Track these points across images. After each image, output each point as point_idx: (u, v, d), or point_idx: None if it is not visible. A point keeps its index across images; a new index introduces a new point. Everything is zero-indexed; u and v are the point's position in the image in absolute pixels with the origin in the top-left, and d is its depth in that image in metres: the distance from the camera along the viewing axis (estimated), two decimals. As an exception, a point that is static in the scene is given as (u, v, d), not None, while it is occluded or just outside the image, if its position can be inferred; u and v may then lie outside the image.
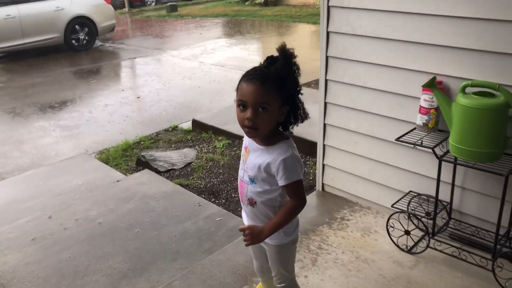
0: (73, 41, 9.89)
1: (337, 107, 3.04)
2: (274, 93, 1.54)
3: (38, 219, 3.43)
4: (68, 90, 7.35)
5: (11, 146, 5.23)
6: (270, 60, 1.59)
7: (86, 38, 10.08)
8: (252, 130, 1.57)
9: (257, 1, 16.30)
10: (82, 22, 9.91)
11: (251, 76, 1.56)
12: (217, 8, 16.80)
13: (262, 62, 1.62)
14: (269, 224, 1.68)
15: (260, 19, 14.09)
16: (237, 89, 1.60)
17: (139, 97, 7.05)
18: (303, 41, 11.03)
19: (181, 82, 7.70)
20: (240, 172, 1.79)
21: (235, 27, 13.17)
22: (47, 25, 9.38)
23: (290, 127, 1.68)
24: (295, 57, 1.58)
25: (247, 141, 1.74)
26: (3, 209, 3.69)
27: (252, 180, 1.70)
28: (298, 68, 1.60)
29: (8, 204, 3.77)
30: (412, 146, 2.53)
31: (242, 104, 1.57)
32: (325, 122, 3.15)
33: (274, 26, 12.95)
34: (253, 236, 1.64)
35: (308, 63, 8.62)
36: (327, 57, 2.98)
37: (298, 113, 1.65)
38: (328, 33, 2.90)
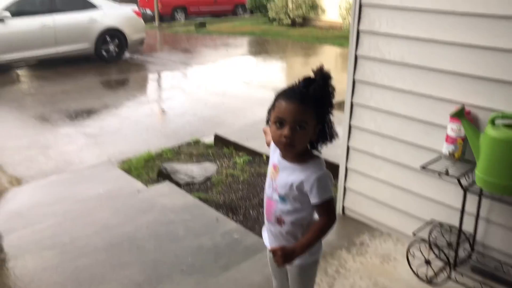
0: (103, 52, 10.13)
1: (362, 131, 3.03)
2: (311, 113, 1.60)
3: (58, 225, 3.48)
4: (95, 99, 7.50)
5: (37, 150, 5.35)
6: (308, 81, 1.66)
7: (116, 49, 10.32)
8: (289, 147, 1.62)
9: (284, 22, 16.45)
10: (113, 34, 10.16)
11: (290, 95, 1.62)
12: (244, 27, 17.01)
13: (298, 82, 1.68)
14: (300, 243, 1.68)
15: (287, 39, 14.19)
16: (273, 107, 1.65)
17: (163, 110, 7.15)
18: (328, 63, 11.02)
19: (205, 97, 7.79)
20: (268, 191, 1.79)
21: (262, 46, 13.30)
22: (79, 35, 9.64)
23: (320, 145, 1.71)
24: (331, 78, 1.65)
25: (276, 159, 1.76)
26: (25, 212, 3.76)
27: (283, 199, 1.71)
28: (333, 89, 1.66)
29: (30, 208, 3.84)
30: (437, 175, 2.50)
31: (279, 121, 1.61)
32: (349, 144, 3.14)
33: (300, 46, 13.03)
34: (285, 256, 1.64)
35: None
36: (354, 80, 2.98)
37: (328, 133, 1.69)
38: (356, 57, 2.91)
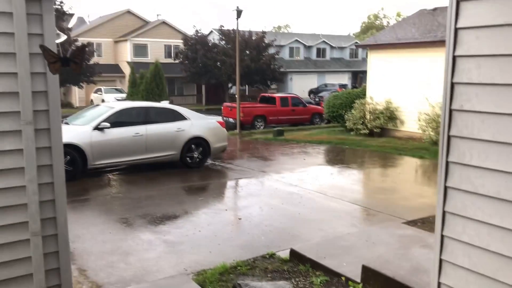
0: (188, 159, 10.73)
1: (454, 267, 2.80)
2: None
3: None
4: (176, 205, 7.79)
5: (118, 256, 5.53)
6: None
7: (200, 157, 10.90)
8: None
9: (362, 131, 16.61)
10: (198, 142, 10.82)
11: None
12: (321, 135, 17.37)
13: None
14: None
15: (364, 149, 14.20)
16: None
17: (240, 219, 7.21)
18: (408, 175, 10.77)
19: (282, 207, 7.79)
20: None
21: (338, 155, 13.38)
22: (167, 144, 10.38)
23: None
24: None
25: None
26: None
27: None
28: None
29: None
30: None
31: None
32: (440, 281, 2.90)
33: (378, 157, 12.93)
34: None
35: (413, 199, 8.37)
36: (444, 212, 2.84)
37: None
38: (446, 188, 2.80)
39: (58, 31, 5.09)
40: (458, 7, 2.61)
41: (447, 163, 2.78)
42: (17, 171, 3.60)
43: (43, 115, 3.68)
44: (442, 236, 2.87)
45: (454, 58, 2.66)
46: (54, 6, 3.84)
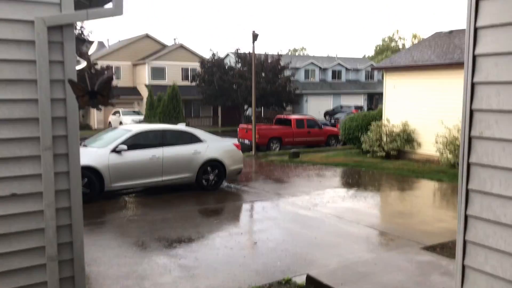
0: (203, 181, 10.75)
1: (477, 298, 2.72)
2: None
3: None
4: (192, 228, 7.76)
5: (134, 280, 5.50)
6: None
7: (215, 179, 10.91)
8: None
9: (378, 154, 16.46)
10: (213, 164, 10.84)
11: None
12: (337, 158, 17.26)
13: None
14: None
15: (381, 171, 14.05)
16: None
17: (255, 243, 7.15)
18: (426, 199, 10.59)
19: (297, 231, 7.71)
20: None
21: (355, 178, 13.25)
22: (184, 166, 10.42)
23: None
24: None
25: None
26: None
27: None
28: None
29: None
30: None
31: None
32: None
33: (395, 180, 12.77)
34: None
35: (432, 223, 8.21)
36: (465, 241, 2.77)
37: None
38: (466, 216, 2.74)
39: (78, 58, 5.22)
40: (476, 34, 2.60)
41: (467, 190, 2.72)
42: (35, 196, 3.64)
43: (62, 141, 3.74)
44: (463, 266, 2.80)
45: (472, 84, 2.64)
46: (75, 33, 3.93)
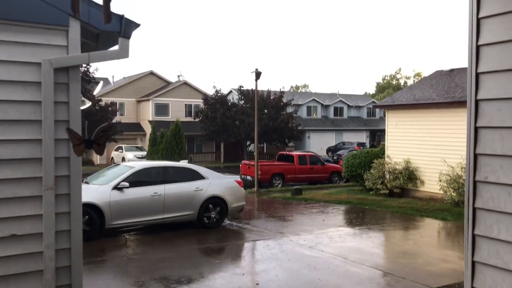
0: (205, 219, 10.64)
1: None
2: None
3: None
4: (193, 268, 7.62)
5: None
6: None
7: (217, 216, 10.80)
8: None
9: (381, 192, 16.34)
10: (215, 202, 10.76)
11: None
12: (340, 195, 17.13)
13: None
14: None
15: (385, 209, 13.90)
16: None
17: (258, 284, 6.99)
18: (430, 239, 10.42)
19: (300, 271, 7.55)
20: None
21: (358, 216, 13.10)
22: (185, 203, 10.35)
23: None
24: None
25: None
26: None
27: None
28: None
29: None
30: None
31: None
32: None
33: (399, 218, 12.61)
34: None
35: (437, 264, 8.04)
36: (472, 288, 2.69)
37: None
38: (473, 263, 2.67)
39: (83, 98, 5.28)
40: (477, 79, 2.62)
41: (473, 236, 2.68)
42: (35, 236, 3.60)
43: (64, 181, 3.73)
44: (473, 315, 2.71)
45: (476, 129, 2.64)
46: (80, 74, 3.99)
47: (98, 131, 2.95)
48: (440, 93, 15.83)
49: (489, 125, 2.56)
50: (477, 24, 2.62)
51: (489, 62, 2.56)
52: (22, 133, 3.55)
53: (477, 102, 2.62)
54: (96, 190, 9.52)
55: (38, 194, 3.59)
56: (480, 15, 2.62)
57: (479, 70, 2.60)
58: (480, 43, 2.62)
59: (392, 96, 18.86)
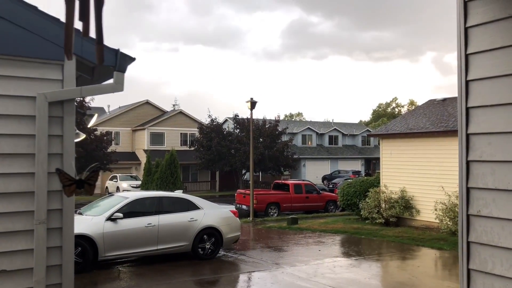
0: (200, 250, 10.50)
1: None
2: None
3: None
4: (186, 302, 7.47)
5: None
6: None
7: (212, 247, 10.66)
8: None
9: (377, 221, 16.26)
10: (210, 232, 10.65)
11: None
12: (336, 224, 17.02)
13: None
14: None
15: (381, 239, 13.79)
16: None
17: (253, 318, 6.85)
18: (427, 268, 10.31)
19: (297, 305, 7.42)
20: None
21: (355, 246, 12.98)
22: (179, 234, 10.23)
23: None
24: None
25: None
26: None
27: None
28: None
29: None
30: None
31: None
32: None
33: (395, 248, 12.51)
34: None
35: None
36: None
37: None
38: (469, 299, 2.65)
39: (77, 131, 5.29)
40: (468, 113, 2.66)
41: (468, 270, 2.66)
42: (25, 272, 3.54)
43: (57, 214, 3.69)
44: None
45: (467, 162, 2.66)
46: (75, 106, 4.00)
47: (88, 173, 2.95)
48: (433, 122, 15.98)
49: (480, 159, 2.59)
50: (466, 60, 2.68)
51: (478, 97, 2.61)
52: (15, 166, 3.53)
53: (468, 136, 2.65)
54: (89, 221, 9.41)
55: (30, 228, 3.55)
56: (468, 52, 2.68)
57: (469, 105, 2.64)
58: (469, 78, 2.67)
59: (386, 125, 19.01)
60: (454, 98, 17.16)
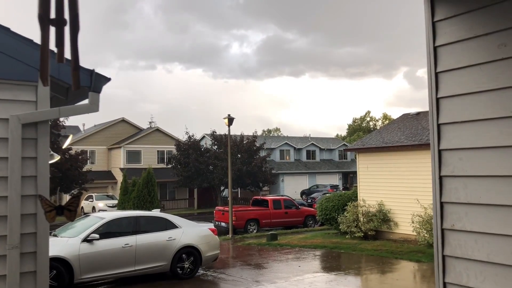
0: (178, 269, 10.35)
1: None
2: None
3: None
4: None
5: None
6: None
7: (191, 267, 10.53)
8: None
9: (356, 235, 16.35)
10: (189, 251, 10.52)
11: None
12: (315, 239, 17.06)
13: None
14: None
15: (360, 253, 13.87)
16: None
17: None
18: (406, 282, 10.41)
19: (277, 322, 7.37)
20: None
21: (334, 261, 13.02)
22: (158, 254, 10.07)
23: None
24: None
25: None
26: None
27: None
28: None
29: None
30: None
31: None
32: None
33: (374, 261, 12.59)
34: None
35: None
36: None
37: None
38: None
39: (52, 152, 5.20)
40: (439, 129, 2.73)
41: (444, 284, 2.70)
42: (-3, 299, 3.43)
43: (31, 238, 3.61)
44: None
45: (440, 178, 2.72)
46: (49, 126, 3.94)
47: (69, 199, 2.91)
48: (408, 136, 16.29)
49: (453, 174, 2.65)
50: (436, 78, 2.77)
51: (448, 113, 2.69)
52: (-13, 190, 3.45)
53: (440, 151, 2.72)
54: (64, 243, 9.19)
55: (2, 254, 3.46)
56: (438, 70, 2.77)
57: (440, 121, 2.72)
58: (439, 95, 2.76)
59: (362, 139, 19.28)
60: (427, 112, 17.55)
